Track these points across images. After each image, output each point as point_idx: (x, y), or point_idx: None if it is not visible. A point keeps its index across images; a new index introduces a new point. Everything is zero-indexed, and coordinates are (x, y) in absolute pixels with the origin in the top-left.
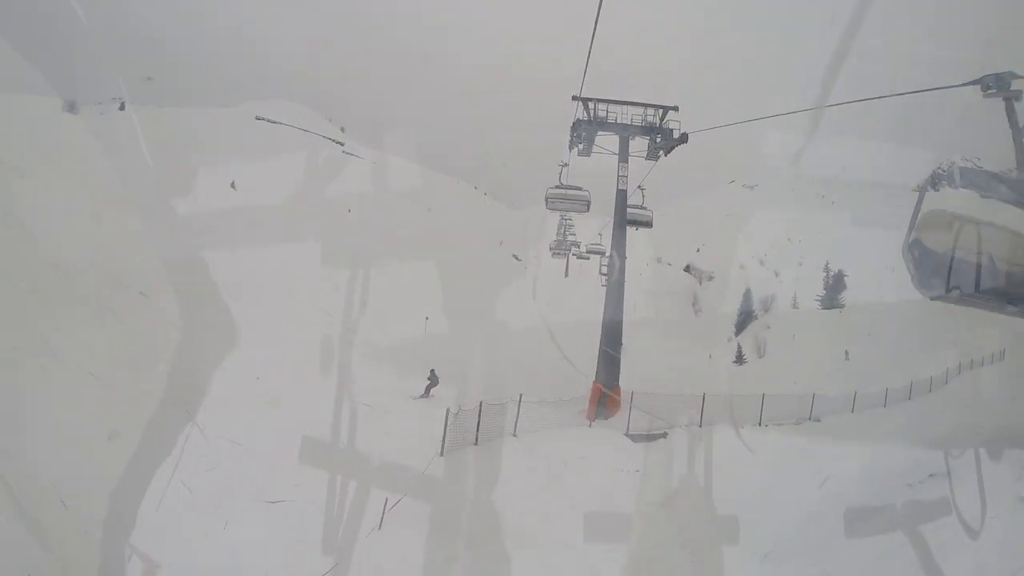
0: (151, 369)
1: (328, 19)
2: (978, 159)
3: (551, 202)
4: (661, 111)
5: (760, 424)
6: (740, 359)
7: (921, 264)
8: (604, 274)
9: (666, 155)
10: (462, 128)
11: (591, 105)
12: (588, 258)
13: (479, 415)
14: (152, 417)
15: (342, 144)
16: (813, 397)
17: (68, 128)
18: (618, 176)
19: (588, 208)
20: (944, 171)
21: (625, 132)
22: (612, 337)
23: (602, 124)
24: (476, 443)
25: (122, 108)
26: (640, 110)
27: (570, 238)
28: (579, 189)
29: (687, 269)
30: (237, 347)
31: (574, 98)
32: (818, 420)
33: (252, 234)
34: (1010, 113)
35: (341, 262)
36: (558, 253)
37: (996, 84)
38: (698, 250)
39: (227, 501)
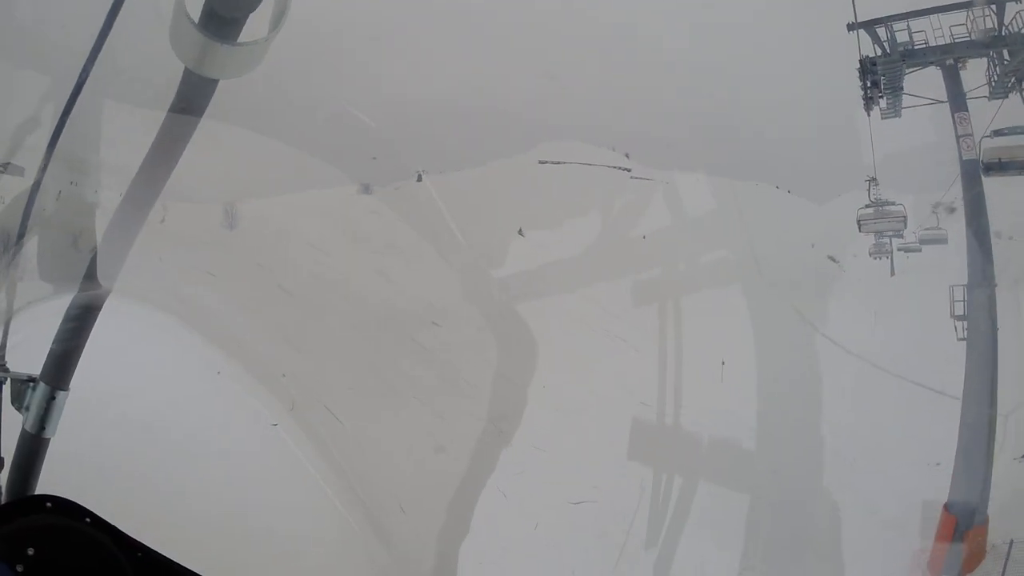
0: (457, 388)
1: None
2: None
3: (863, 224)
4: (996, 8)
5: None
6: None
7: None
8: (959, 317)
9: (1021, 81)
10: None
11: (885, 29)
12: (919, 250)
13: None
14: (467, 431)
15: (629, 170)
16: None
17: (365, 208)
18: (957, 136)
19: (906, 224)
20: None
21: (949, 55)
22: (978, 430)
23: (909, 54)
24: None
25: (419, 180)
26: (962, 16)
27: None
28: (894, 204)
29: None
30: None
31: (850, 27)
32: None
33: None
34: None
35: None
36: (878, 253)
37: None
38: None
39: (535, 503)
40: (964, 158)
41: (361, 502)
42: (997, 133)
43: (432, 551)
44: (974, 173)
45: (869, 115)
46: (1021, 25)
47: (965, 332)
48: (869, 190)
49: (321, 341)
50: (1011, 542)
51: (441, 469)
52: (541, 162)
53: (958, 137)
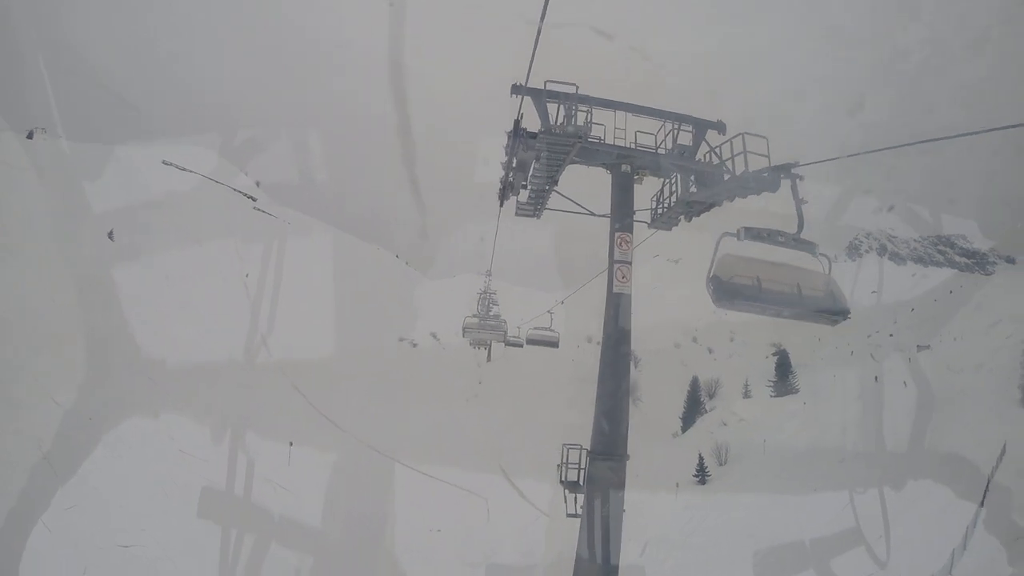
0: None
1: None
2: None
3: (467, 331)
4: (694, 128)
5: None
6: (702, 474)
7: (718, 291)
8: (572, 486)
9: (691, 217)
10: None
11: (562, 110)
12: (521, 345)
13: None
14: (18, 456)
15: (254, 199)
16: None
17: None
18: (611, 261)
19: (507, 336)
20: (731, 233)
21: (628, 162)
22: None
23: (580, 143)
24: None
25: (30, 137)
26: (656, 124)
27: (495, 311)
28: (497, 318)
29: None
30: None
31: (516, 89)
32: None
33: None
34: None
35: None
36: (478, 342)
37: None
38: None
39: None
40: (615, 290)
41: None
42: (749, 232)
43: None
44: (621, 305)
45: (502, 205)
46: (734, 152)
47: (578, 508)
48: (479, 301)
49: None
50: None
51: None
52: (165, 163)
53: (612, 263)
